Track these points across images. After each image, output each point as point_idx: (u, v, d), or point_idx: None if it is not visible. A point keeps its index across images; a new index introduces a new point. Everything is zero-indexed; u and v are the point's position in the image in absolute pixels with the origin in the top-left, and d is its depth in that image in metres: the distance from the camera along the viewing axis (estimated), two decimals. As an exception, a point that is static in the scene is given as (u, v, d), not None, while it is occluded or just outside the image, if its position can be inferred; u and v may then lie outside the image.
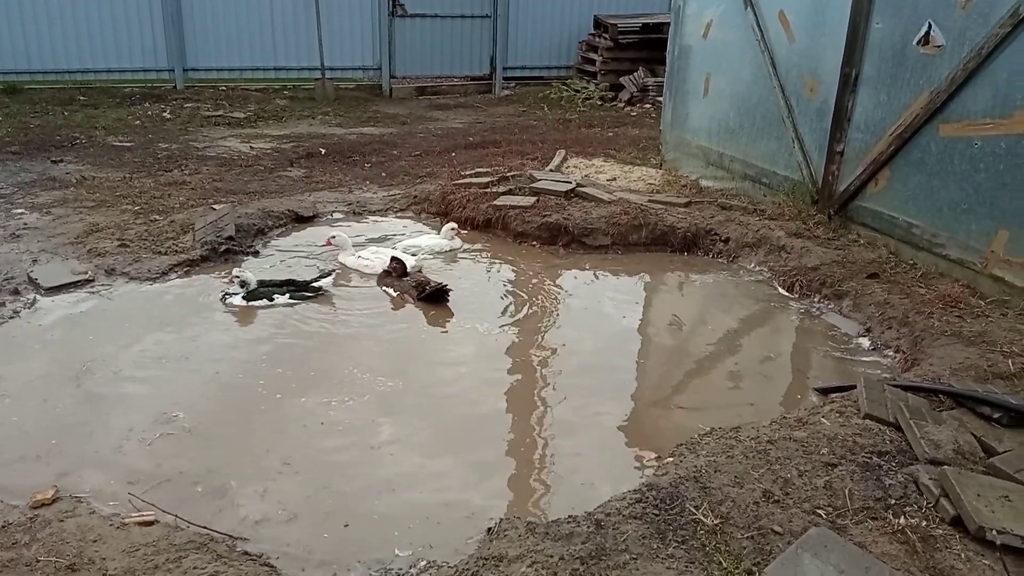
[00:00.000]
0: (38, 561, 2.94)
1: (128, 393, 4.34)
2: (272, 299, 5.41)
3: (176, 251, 6.10)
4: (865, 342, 5.16)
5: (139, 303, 5.41)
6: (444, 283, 5.58)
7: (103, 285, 5.60)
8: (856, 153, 6.40)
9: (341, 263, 6.18)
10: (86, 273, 5.66)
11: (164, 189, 7.82)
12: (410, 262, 5.99)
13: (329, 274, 5.72)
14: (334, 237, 6.27)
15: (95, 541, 3.06)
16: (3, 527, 3.15)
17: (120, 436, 3.94)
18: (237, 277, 5.44)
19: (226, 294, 5.47)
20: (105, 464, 3.72)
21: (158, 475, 3.64)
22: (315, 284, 5.57)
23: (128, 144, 9.77)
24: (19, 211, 7.04)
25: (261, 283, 5.51)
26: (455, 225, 6.70)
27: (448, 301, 5.58)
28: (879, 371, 4.78)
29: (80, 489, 3.50)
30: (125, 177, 8.24)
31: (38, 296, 5.39)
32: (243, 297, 5.39)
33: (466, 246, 6.72)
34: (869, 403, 3.90)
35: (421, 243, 6.56)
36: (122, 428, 4.00)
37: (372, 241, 6.72)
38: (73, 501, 3.37)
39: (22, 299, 5.33)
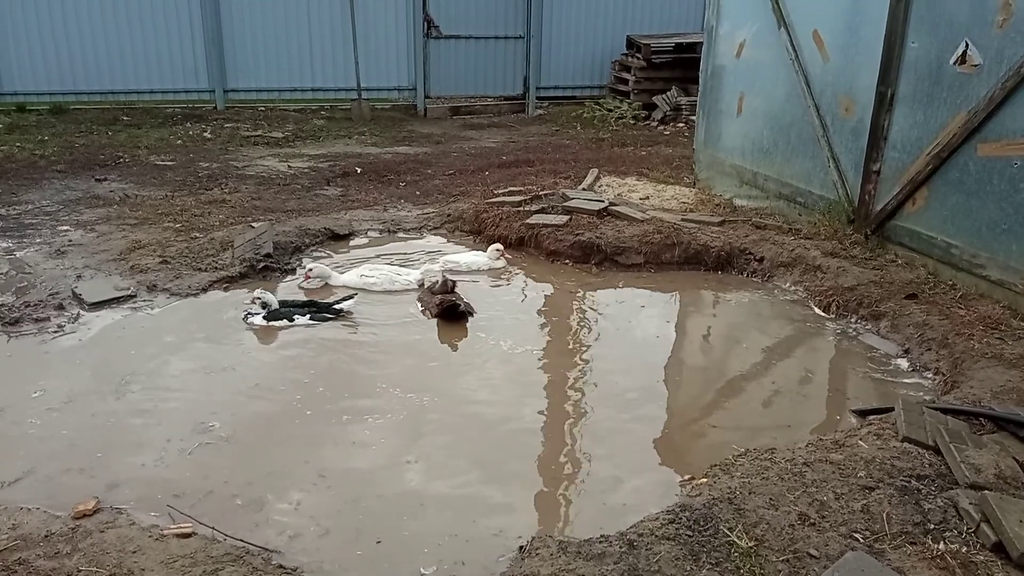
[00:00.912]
0: (79, 571, 3.01)
1: (167, 407, 4.43)
2: (292, 319, 5.42)
3: (215, 268, 6.22)
4: (903, 363, 5.09)
5: (179, 319, 5.52)
6: (459, 301, 5.60)
7: (145, 301, 5.72)
8: (893, 172, 6.34)
9: (332, 286, 6.11)
10: (128, 289, 5.80)
11: (204, 207, 7.98)
12: (413, 276, 6.11)
13: (351, 297, 5.71)
14: (310, 270, 6.13)
15: (134, 552, 3.12)
16: (46, 537, 3.23)
17: (159, 448, 4.02)
18: (259, 299, 5.48)
19: (248, 313, 5.50)
20: (146, 476, 3.79)
21: (195, 488, 3.70)
22: (337, 306, 5.57)
23: (170, 163, 9.99)
24: (64, 228, 7.23)
25: (283, 303, 5.54)
26: (500, 246, 6.68)
27: (467, 320, 5.60)
28: (918, 393, 4.71)
29: (122, 500, 3.57)
30: (167, 195, 8.43)
31: (82, 311, 5.52)
32: (264, 317, 5.41)
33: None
34: (908, 426, 3.85)
35: (461, 259, 6.61)
36: (161, 440, 4.08)
37: (396, 260, 6.78)
38: (113, 512, 3.43)
39: (66, 314, 5.46)
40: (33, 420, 4.25)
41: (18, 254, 6.52)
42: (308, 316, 5.48)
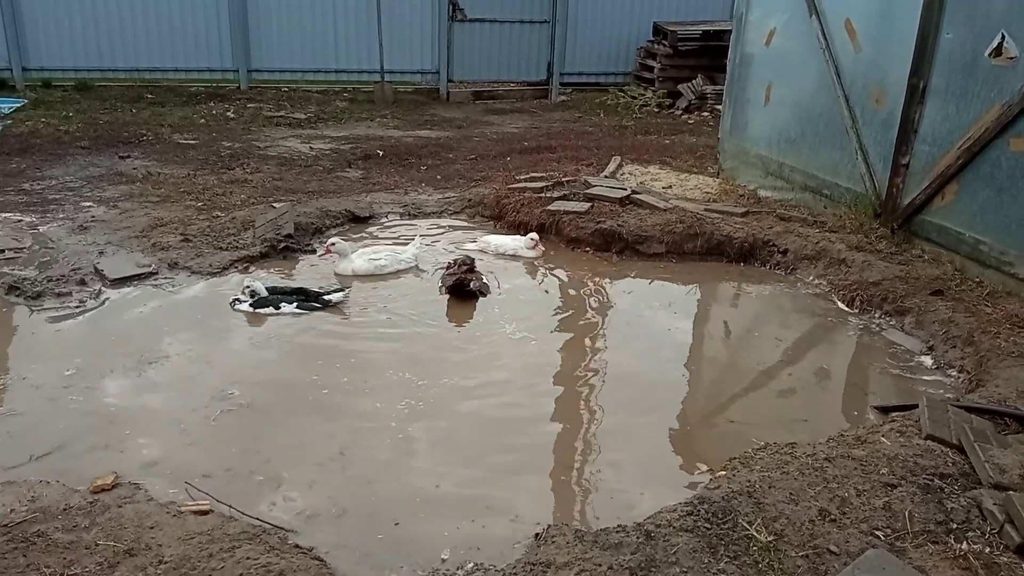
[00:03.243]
0: (97, 545, 3.02)
1: (186, 381, 4.46)
2: (279, 307, 5.32)
3: (236, 247, 6.24)
4: (927, 360, 5.02)
5: (198, 296, 5.53)
6: (470, 280, 5.64)
7: (166, 278, 5.74)
8: (922, 166, 6.24)
9: (338, 274, 6.02)
10: (150, 266, 5.82)
11: (226, 186, 7.99)
12: (410, 253, 6.16)
13: (341, 290, 5.58)
14: (333, 244, 6.09)
15: (152, 528, 3.13)
16: (64, 510, 3.25)
17: (176, 424, 4.04)
18: (248, 287, 5.40)
19: (236, 299, 5.41)
20: (165, 454, 3.81)
21: (210, 467, 3.72)
22: (325, 296, 5.46)
23: (193, 142, 10.02)
24: (87, 204, 7.27)
25: (272, 290, 5.43)
26: (536, 236, 6.62)
27: (476, 299, 5.63)
28: (942, 391, 4.64)
29: (142, 475, 3.59)
30: (189, 174, 8.45)
31: (103, 287, 5.55)
32: (251, 304, 5.32)
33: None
34: (932, 423, 3.79)
35: (491, 241, 6.66)
36: (181, 415, 4.11)
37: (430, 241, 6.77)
38: (132, 487, 3.46)
39: (88, 289, 5.49)
40: (70, 396, 4.27)
41: (41, 229, 6.56)
42: (295, 304, 5.36)
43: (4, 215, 6.85)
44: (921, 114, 6.21)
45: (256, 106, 12.37)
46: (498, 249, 6.58)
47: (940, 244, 6.11)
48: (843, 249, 6.27)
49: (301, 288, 5.61)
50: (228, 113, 11.83)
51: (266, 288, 5.43)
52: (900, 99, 6.34)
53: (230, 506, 3.35)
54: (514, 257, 6.53)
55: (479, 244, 6.71)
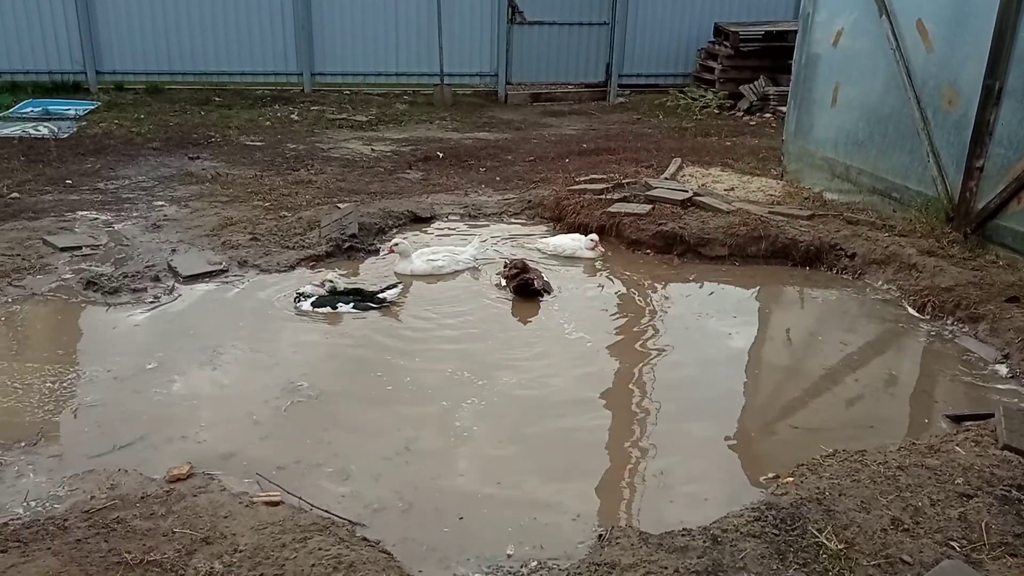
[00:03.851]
0: (174, 532, 3.12)
1: (256, 374, 4.58)
2: (336, 307, 5.38)
3: (303, 246, 6.37)
4: (1003, 369, 4.86)
5: (267, 293, 5.67)
6: (535, 279, 5.68)
7: (236, 275, 5.90)
8: (997, 169, 6.05)
9: (398, 273, 6.07)
10: (221, 264, 5.98)
11: (292, 187, 8.16)
12: (468, 253, 6.23)
13: (395, 286, 5.66)
14: (396, 244, 6.16)
15: (226, 517, 3.22)
16: (142, 498, 3.36)
17: (249, 416, 4.15)
18: (330, 282, 5.47)
19: (299, 295, 5.48)
20: (237, 447, 3.91)
21: (280, 458, 3.81)
22: (380, 295, 5.52)
23: (259, 143, 10.25)
24: (160, 203, 7.50)
25: (330, 291, 5.50)
26: (596, 237, 6.60)
27: (540, 298, 5.68)
28: (1017, 400, 4.49)
29: (216, 465, 3.69)
30: (256, 175, 8.66)
31: (177, 283, 5.72)
32: (311, 303, 5.39)
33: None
34: (1009, 433, 3.68)
35: (550, 242, 6.69)
36: (252, 405, 4.22)
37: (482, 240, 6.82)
38: (206, 478, 3.56)
39: (162, 285, 5.67)
40: (152, 388, 4.43)
41: (116, 227, 6.80)
42: (352, 305, 5.43)
43: (81, 213, 7.12)
44: (996, 116, 6.02)
45: (319, 108, 12.60)
46: (557, 250, 6.58)
47: (1016, 250, 5.92)
48: (913, 254, 6.11)
49: (357, 288, 5.68)
50: (292, 115, 12.07)
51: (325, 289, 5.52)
52: (974, 100, 6.16)
53: (300, 498, 3.43)
54: (573, 259, 6.53)
55: (540, 244, 6.74)
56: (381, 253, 6.43)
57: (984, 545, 3.03)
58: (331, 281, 5.53)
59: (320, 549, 2.99)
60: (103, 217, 7.05)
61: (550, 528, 3.41)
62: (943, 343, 5.27)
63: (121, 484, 3.49)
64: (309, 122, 11.68)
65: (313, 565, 2.90)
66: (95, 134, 10.21)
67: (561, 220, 7.36)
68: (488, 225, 7.39)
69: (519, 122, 12.41)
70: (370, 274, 6.16)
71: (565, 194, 7.59)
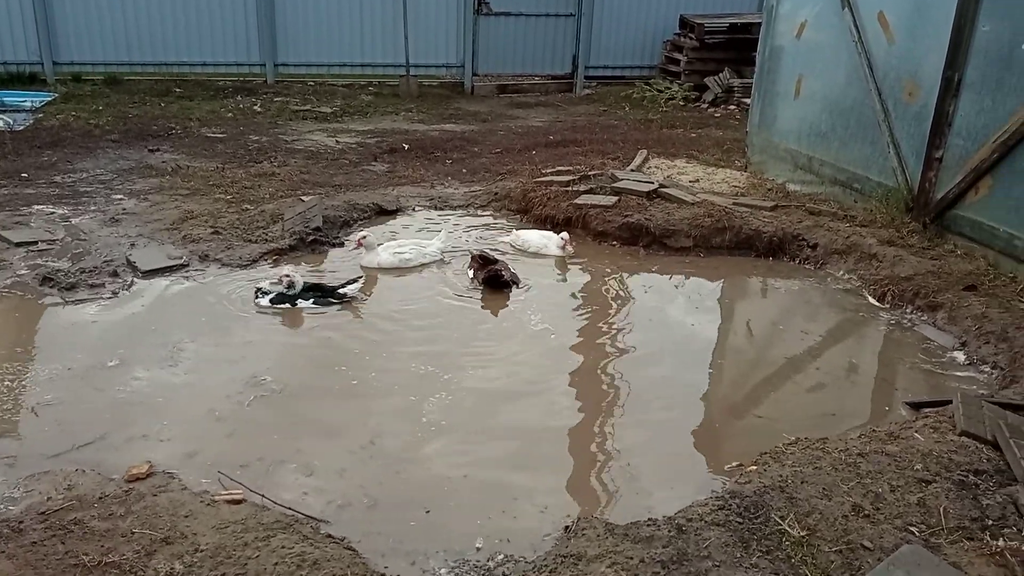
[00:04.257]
0: (133, 533, 3.06)
1: (218, 371, 4.51)
2: (295, 303, 5.30)
3: (266, 240, 6.29)
4: (960, 356, 4.95)
5: (228, 288, 5.58)
6: (502, 271, 5.67)
7: (197, 270, 5.80)
8: (956, 160, 6.15)
9: (364, 267, 6.03)
10: (181, 258, 5.89)
11: (254, 180, 8.06)
12: (435, 246, 6.18)
13: (356, 280, 5.57)
14: (364, 237, 6.12)
15: (186, 516, 3.17)
16: (101, 498, 3.29)
17: (212, 413, 4.08)
18: (287, 276, 5.35)
19: (259, 290, 5.39)
20: (199, 445, 3.85)
21: (243, 456, 3.76)
22: (341, 291, 5.43)
23: (221, 135, 10.10)
24: (118, 197, 7.36)
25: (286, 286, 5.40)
26: (567, 235, 6.47)
27: (509, 290, 5.67)
28: (975, 387, 4.58)
29: (178, 464, 3.63)
30: (218, 167, 8.53)
31: (135, 278, 5.61)
32: (270, 300, 5.30)
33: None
34: (966, 419, 3.74)
35: (520, 235, 6.61)
36: (215, 402, 4.16)
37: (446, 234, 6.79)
38: (166, 476, 3.49)
39: (120, 280, 5.56)
40: (113, 386, 4.33)
41: (74, 221, 6.65)
42: (312, 301, 5.34)
43: (37, 207, 6.95)
44: (955, 107, 6.12)
45: (283, 100, 12.44)
46: (526, 245, 6.52)
47: (973, 239, 6.03)
48: (874, 244, 6.20)
49: (317, 284, 5.56)
50: (255, 107, 11.91)
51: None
52: (934, 92, 6.26)
53: (263, 495, 3.38)
54: (541, 255, 6.46)
55: (510, 238, 6.69)
56: (348, 247, 6.34)
57: (942, 529, 3.08)
58: (288, 276, 5.39)
59: (283, 547, 2.95)
60: (60, 211, 6.89)
61: (517, 521, 3.41)
62: (903, 331, 5.35)
63: (79, 484, 3.41)
64: (272, 114, 11.54)
65: (276, 564, 2.86)
66: (52, 126, 9.99)
67: (528, 212, 7.35)
68: (454, 218, 7.36)
69: (486, 114, 12.37)
70: (335, 268, 6.10)
71: (532, 186, 7.58)
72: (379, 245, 6.13)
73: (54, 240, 6.18)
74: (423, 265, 6.13)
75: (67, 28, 12.52)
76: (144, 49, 12.93)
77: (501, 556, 3.16)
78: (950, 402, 4.03)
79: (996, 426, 3.68)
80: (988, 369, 4.77)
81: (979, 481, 3.35)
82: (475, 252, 6.06)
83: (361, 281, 5.61)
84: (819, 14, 7.57)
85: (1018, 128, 5.55)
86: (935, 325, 5.32)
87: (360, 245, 6.13)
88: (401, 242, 6.29)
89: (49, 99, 11.36)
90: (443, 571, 3.08)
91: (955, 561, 2.90)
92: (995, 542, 2.99)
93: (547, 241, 6.54)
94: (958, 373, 4.80)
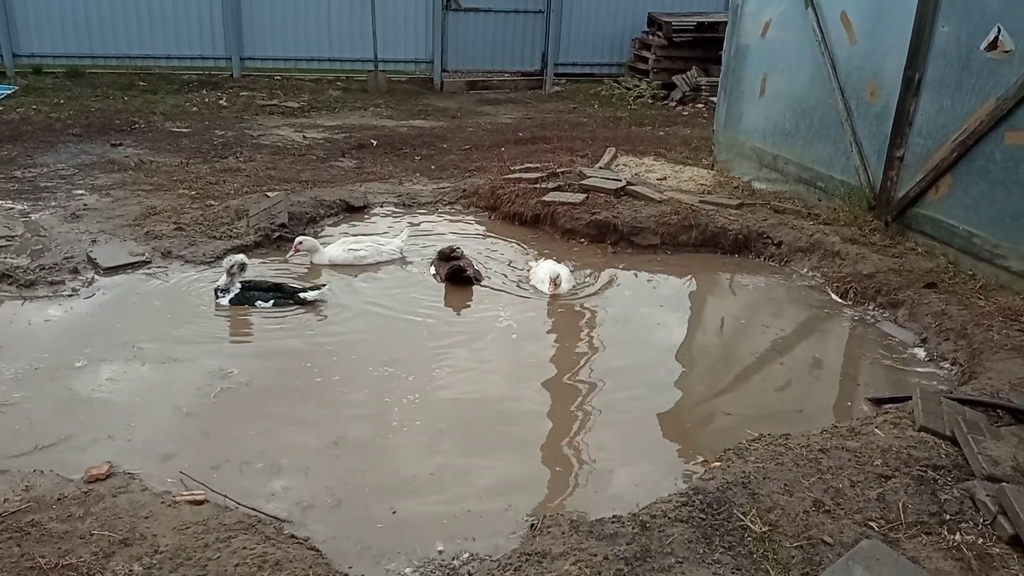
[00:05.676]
0: (92, 534, 3.01)
1: (182, 369, 4.45)
2: (255, 304, 5.22)
3: (230, 236, 6.21)
4: (921, 353, 5.04)
5: (191, 285, 5.51)
6: (465, 266, 5.68)
7: (159, 267, 5.72)
8: (916, 159, 6.25)
9: (315, 264, 5.96)
10: (143, 255, 5.80)
11: (219, 175, 7.95)
12: (395, 245, 6.15)
13: (319, 287, 5.44)
14: (300, 243, 5.96)
15: (147, 518, 3.12)
16: (59, 500, 3.23)
17: (179, 411, 4.03)
18: (230, 261, 5.22)
19: (218, 291, 5.28)
20: (164, 445, 3.80)
21: (207, 457, 3.71)
22: (302, 295, 5.32)
23: (185, 130, 9.95)
24: (79, 192, 7.22)
25: (249, 284, 5.32)
26: (561, 279, 5.65)
27: (473, 285, 5.69)
28: (935, 383, 4.66)
29: (138, 464, 3.57)
30: (182, 162, 8.40)
31: (96, 275, 5.51)
32: (230, 300, 5.22)
33: (512, 241, 6.71)
34: (925, 415, 3.81)
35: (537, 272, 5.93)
36: (180, 399, 4.10)
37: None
38: (126, 477, 3.43)
39: (81, 278, 5.46)
40: (77, 386, 4.26)
41: (33, 216, 6.52)
42: (271, 303, 5.25)
43: (-5, 203, 6.81)
44: (916, 107, 6.22)
45: (249, 94, 12.29)
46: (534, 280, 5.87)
47: (934, 237, 6.13)
48: (837, 241, 6.28)
49: (279, 284, 5.46)
50: (221, 101, 11.75)
51: (244, 283, 5.29)
52: (895, 92, 6.35)
53: (225, 496, 3.34)
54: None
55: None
56: (287, 255, 6.01)
57: (901, 524, 3.13)
58: (232, 260, 5.22)
59: (245, 548, 2.92)
60: (19, 207, 6.74)
61: (483, 519, 3.40)
62: (865, 328, 5.43)
63: (37, 486, 3.34)
64: (238, 108, 11.40)
65: (237, 565, 2.83)
66: (11, 120, 9.77)
67: (496, 209, 7.34)
68: (420, 214, 7.33)
69: (455, 110, 12.33)
70: (299, 265, 6.03)
71: (500, 183, 7.57)
72: (339, 240, 6.09)
73: (12, 236, 6.04)
74: (380, 263, 6.07)
75: (28, 19, 12.26)
76: (107, 42, 12.69)
77: (466, 555, 3.15)
78: (910, 398, 4.10)
79: (954, 422, 3.75)
80: (948, 365, 4.85)
81: (937, 476, 3.41)
82: (443, 248, 6.02)
83: (326, 287, 5.48)
84: (783, 13, 7.65)
85: (976, 128, 5.66)
86: (896, 322, 5.41)
87: (297, 251, 5.94)
88: (359, 238, 6.24)
89: (9, 92, 11.13)
90: (408, 571, 3.07)
91: (913, 555, 2.96)
92: (953, 536, 3.05)
93: (544, 277, 5.76)
94: (919, 369, 4.89)
